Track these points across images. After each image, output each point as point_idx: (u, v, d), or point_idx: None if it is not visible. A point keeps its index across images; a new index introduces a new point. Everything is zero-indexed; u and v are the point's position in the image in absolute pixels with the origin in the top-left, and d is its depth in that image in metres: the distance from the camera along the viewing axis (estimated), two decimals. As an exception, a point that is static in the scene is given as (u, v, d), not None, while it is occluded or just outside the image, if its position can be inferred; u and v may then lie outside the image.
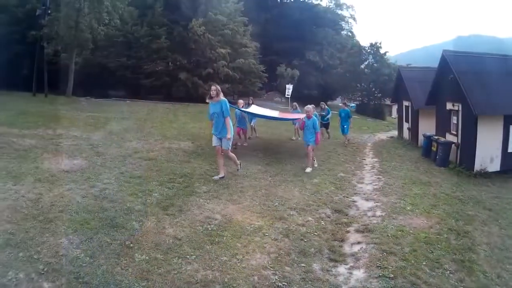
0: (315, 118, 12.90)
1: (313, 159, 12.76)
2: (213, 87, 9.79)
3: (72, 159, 10.82)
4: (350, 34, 72.91)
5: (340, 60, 58.61)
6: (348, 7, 71.03)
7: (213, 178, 9.89)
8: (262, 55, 53.75)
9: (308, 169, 12.14)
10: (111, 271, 4.97)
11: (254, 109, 17.20)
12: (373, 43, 55.30)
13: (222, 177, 9.92)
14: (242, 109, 16.03)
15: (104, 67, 43.32)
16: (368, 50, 55.92)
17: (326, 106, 21.06)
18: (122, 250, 5.51)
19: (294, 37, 57.70)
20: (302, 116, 13.43)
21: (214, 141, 10.02)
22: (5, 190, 7.56)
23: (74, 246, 5.48)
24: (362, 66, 56.52)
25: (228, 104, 9.79)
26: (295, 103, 20.71)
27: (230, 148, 10.12)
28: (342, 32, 70.80)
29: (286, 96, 26.01)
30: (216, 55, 44.80)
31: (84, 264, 5.04)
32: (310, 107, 12.80)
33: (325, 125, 20.43)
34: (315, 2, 68.06)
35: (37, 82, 33.08)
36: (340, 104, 19.42)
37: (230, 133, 9.74)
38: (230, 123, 9.79)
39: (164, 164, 11.14)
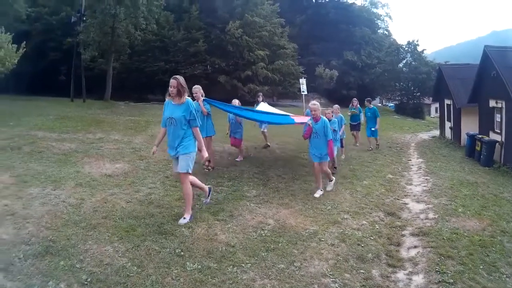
0: (326, 121, 8.93)
1: (329, 175, 9.39)
2: (172, 81, 6.26)
3: (114, 163, 10.55)
4: (386, 32, 72.80)
5: (378, 59, 58.00)
6: (383, 5, 71.18)
7: (179, 223, 6.30)
8: (300, 56, 54.21)
9: (318, 193, 8.87)
10: (161, 281, 4.62)
11: (262, 107, 13.65)
12: (410, 41, 54.52)
13: (191, 218, 6.48)
14: (241, 107, 12.23)
15: (141, 72, 44.18)
16: (406, 49, 54.94)
17: (358, 105, 17.38)
18: (172, 259, 5.16)
19: (331, 37, 58.14)
20: (308, 119, 9.40)
21: (175, 166, 6.64)
22: (45, 194, 7.24)
23: (119, 255, 5.13)
24: (400, 65, 55.58)
25: (195, 109, 6.38)
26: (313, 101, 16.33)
27: (190, 170, 6.42)
28: (379, 31, 70.52)
29: (301, 92, 24.04)
30: (255, 57, 45.42)
31: (131, 274, 4.69)
32: (317, 103, 9.04)
33: (356, 126, 17.22)
34: (350, 1, 68.37)
35: (75, 87, 33.45)
36: (366, 103, 17.10)
37: (205, 151, 6.67)
38: (199, 135, 6.52)
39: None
